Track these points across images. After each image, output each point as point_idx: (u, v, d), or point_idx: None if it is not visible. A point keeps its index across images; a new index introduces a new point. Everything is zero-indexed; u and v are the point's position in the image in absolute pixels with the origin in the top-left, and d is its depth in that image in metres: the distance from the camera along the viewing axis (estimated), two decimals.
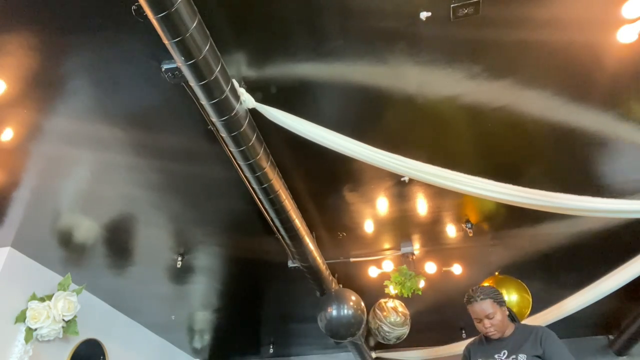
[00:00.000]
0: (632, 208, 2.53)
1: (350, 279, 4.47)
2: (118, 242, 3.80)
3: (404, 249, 3.96)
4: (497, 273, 4.10)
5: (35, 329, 3.76)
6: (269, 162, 2.63)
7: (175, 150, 2.84)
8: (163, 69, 2.19)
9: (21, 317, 3.74)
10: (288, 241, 3.33)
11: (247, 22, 2.09)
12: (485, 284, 4.04)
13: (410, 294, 3.84)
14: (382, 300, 4.22)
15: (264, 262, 4.16)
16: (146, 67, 2.23)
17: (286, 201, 2.91)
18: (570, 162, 2.96)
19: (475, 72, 2.32)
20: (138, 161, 2.91)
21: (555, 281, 4.45)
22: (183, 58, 1.86)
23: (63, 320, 3.89)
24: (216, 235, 3.80)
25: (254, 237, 3.80)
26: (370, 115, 2.62)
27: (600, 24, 2.10)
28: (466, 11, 2.01)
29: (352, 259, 4.14)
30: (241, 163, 2.51)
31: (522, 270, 4.15)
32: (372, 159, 2.35)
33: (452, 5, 1.99)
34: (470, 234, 3.65)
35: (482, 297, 2.71)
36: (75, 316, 3.98)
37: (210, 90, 2.02)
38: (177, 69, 2.13)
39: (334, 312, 3.93)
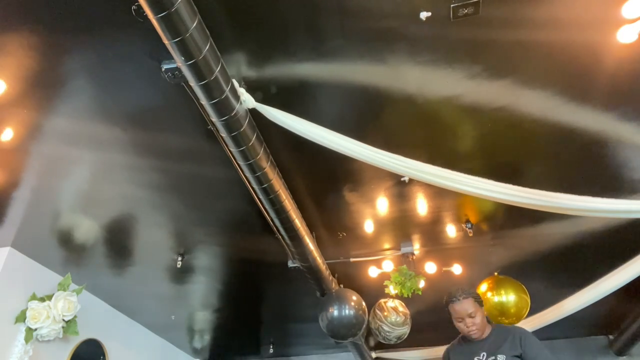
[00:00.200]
0: (632, 208, 2.53)
1: (350, 279, 4.47)
2: (118, 242, 3.80)
3: (404, 249, 3.96)
4: (496, 273, 4.10)
5: (35, 329, 3.76)
6: (269, 162, 2.63)
7: (175, 150, 2.84)
8: (163, 69, 2.19)
9: (21, 317, 3.74)
10: (288, 241, 3.33)
11: (247, 22, 2.09)
12: (484, 284, 4.05)
13: (410, 294, 3.84)
14: (383, 300, 4.22)
15: (264, 262, 4.16)
16: (146, 67, 2.23)
17: (286, 201, 2.91)
18: (570, 162, 2.96)
19: (475, 72, 2.32)
20: (138, 161, 2.91)
21: (555, 281, 4.44)
22: (183, 58, 1.86)
23: (63, 320, 3.89)
24: (216, 235, 3.80)
25: (254, 237, 3.80)
26: (370, 115, 2.62)
27: (600, 24, 2.10)
28: (466, 11, 2.01)
29: (352, 259, 4.14)
30: (241, 163, 2.51)
31: (522, 270, 4.15)
32: (372, 159, 2.35)
33: (452, 5, 1.99)
34: (470, 234, 3.65)
35: (464, 296, 2.72)
36: (75, 316, 3.98)
37: (210, 90, 2.02)
38: (177, 69, 2.13)
39: (335, 312, 3.93)
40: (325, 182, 3.19)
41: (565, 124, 2.64)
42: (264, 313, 5.54)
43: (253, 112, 2.34)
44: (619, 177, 3.09)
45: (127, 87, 2.38)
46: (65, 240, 3.69)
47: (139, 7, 1.89)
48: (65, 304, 3.89)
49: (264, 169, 2.59)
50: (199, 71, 1.93)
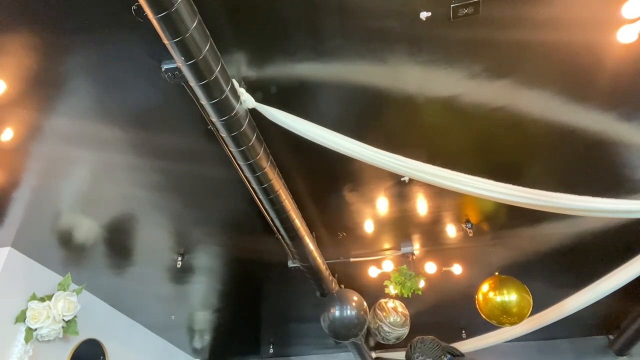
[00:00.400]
0: (632, 208, 2.53)
1: (350, 279, 4.47)
2: (118, 242, 3.80)
3: (404, 249, 3.96)
4: (497, 273, 4.10)
5: (35, 329, 3.76)
6: (269, 162, 2.63)
7: (175, 150, 2.84)
8: (163, 69, 2.19)
9: (21, 317, 3.74)
10: (288, 241, 3.33)
11: (247, 22, 2.09)
12: (486, 284, 4.04)
13: (410, 294, 3.84)
14: (383, 301, 4.22)
15: (264, 262, 4.16)
16: (146, 67, 2.23)
17: (286, 201, 2.91)
18: (570, 162, 2.96)
19: (475, 72, 2.32)
20: (138, 161, 2.91)
21: (555, 281, 4.44)
22: (183, 58, 1.86)
23: (63, 320, 3.89)
24: (216, 235, 3.80)
25: (254, 237, 3.80)
26: (370, 115, 2.62)
27: (600, 24, 2.10)
28: (466, 11, 2.01)
29: (352, 259, 4.14)
30: (241, 163, 2.51)
31: (522, 270, 4.15)
32: (372, 159, 2.35)
33: (452, 5, 1.99)
34: (470, 234, 3.65)
35: (420, 358, 2.57)
36: (75, 316, 3.98)
37: (210, 90, 2.02)
38: (177, 69, 2.13)
39: (337, 313, 3.94)
40: (325, 182, 3.19)
41: (565, 124, 2.64)
42: (264, 313, 5.54)
43: (253, 112, 2.34)
44: (619, 177, 3.09)
45: (127, 87, 2.38)
46: (65, 240, 3.69)
47: (139, 7, 1.89)
48: (65, 304, 3.89)
49: (264, 169, 2.59)
50: (199, 71, 1.93)
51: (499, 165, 2.97)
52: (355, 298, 4.02)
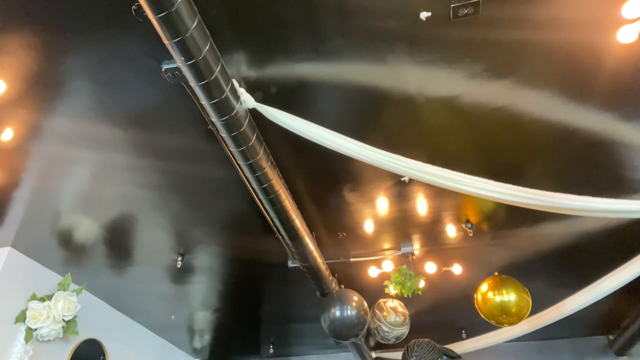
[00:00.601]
0: (632, 208, 2.53)
1: (350, 279, 4.47)
2: (118, 242, 3.80)
3: (404, 249, 3.96)
4: (496, 273, 4.10)
5: (35, 329, 3.76)
6: (269, 162, 2.63)
7: (175, 150, 2.84)
8: (163, 69, 2.19)
9: (21, 317, 3.74)
10: (288, 241, 3.33)
11: (247, 22, 2.09)
12: (485, 284, 4.04)
13: (410, 294, 3.84)
14: (382, 300, 4.22)
15: (264, 262, 4.16)
16: (146, 67, 2.23)
17: (286, 201, 2.91)
18: (570, 162, 2.96)
19: (475, 72, 2.32)
20: (138, 161, 2.91)
21: (555, 281, 4.44)
22: (183, 58, 1.86)
23: (63, 320, 3.89)
24: (216, 235, 3.80)
25: (254, 237, 3.80)
26: (370, 115, 2.62)
27: (600, 24, 2.10)
28: (466, 11, 2.01)
29: (352, 259, 4.14)
30: (241, 163, 2.51)
31: (522, 270, 4.15)
32: (372, 159, 2.35)
33: (452, 5, 1.99)
34: (470, 234, 3.65)
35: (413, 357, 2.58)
36: (75, 316, 3.98)
37: (210, 90, 2.02)
38: (177, 69, 2.13)
39: (338, 313, 3.93)
40: (325, 182, 3.19)
41: (565, 123, 2.64)
42: (264, 313, 5.54)
43: (253, 112, 2.34)
44: (619, 177, 3.09)
45: (127, 87, 2.38)
46: (65, 240, 3.69)
47: (139, 7, 1.89)
48: (65, 304, 3.89)
49: (264, 169, 2.59)
50: (199, 71, 1.93)
51: (499, 165, 2.97)
52: (355, 298, 4.02)
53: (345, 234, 3.84)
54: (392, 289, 3.89)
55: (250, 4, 2.01)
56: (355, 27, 2.11)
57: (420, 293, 3.87)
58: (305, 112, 2.40)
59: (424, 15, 2.03)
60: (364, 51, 2.22)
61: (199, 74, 1.94)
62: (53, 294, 3.91)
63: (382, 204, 3.43)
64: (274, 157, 2.76)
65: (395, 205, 3.44)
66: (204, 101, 2.09)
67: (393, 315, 4.13)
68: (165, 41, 1.81)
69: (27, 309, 3.78)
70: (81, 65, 2.24)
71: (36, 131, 2.60)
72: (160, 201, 3.31)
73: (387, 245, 4.02)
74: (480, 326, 4.76)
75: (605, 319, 5.45)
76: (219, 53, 2.01)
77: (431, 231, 3.79)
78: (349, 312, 3.93)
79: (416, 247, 3.98)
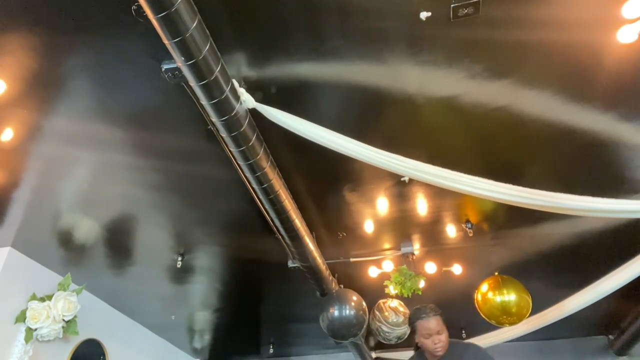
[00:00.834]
0: (632, 208, 2.53)
1: (350, 279, 4.47)
2: (118, 242, 3.80)
3: (404, 249, 3.96)
4: (496, 273, 4.10)
5: (35, 329, 3.76)
6: (269, 162, 2.63)
7: (175, 150, 2.84)
8: (163, 69, 2.19)
9: (21, 317, 3.74)
10: (288, 241, 3.33)
11: (247, 22, 2.09)
12: (485, 284, 4.05)
13: (410, 294, 3.84)
14: (382, 301, 4.23)
15: (264, 262, 4.16)
16: (146, 67, 2.23)
17: (286, 201, 2.91)
18: (570, 162, 2.96)
19: (475, 72, 2.32)
20: (138, 161, 2.91)
21: (555, 281, 4.44)
22: (183, 58, 1.86)
23: (63, 320, 3.89)
24: (216, 235, 3.80)
25: (254, 237, 3.80)
26: (370, 115, 2.62)
27: (600, 24, 2.10)
28: (466, 11, 2.01)
29: (352, 259, 4.14)
30: (241, 163, 2.51)
31: (522, 270, 4.15)
32: (372, 159, 2.35)
33: (452, 5, 1.99)
34: (470, 234, 3.65)
35: (433, 313, 2.77)
36: (75, 316, 3.98)
37: (210, 90, 2.02)
38: (177, 69, 2.13)
39: (336, 313, 3.94)
40: (325, 182, 3.19)
41: (565, 123, 2.64)
42: (264, 313, 5.54)
43: (253, 112, 2.34)
44: (619, 177, 3.09)
45: (127, 87, 2.38)
46: (66, 240, 3.69)
47: (139, 7, 1.89)
48: (65, 304, 3.89)
49: (264, 169, 2.59)
50: (199, 71, 1.93)
51: (499, 165, 2.97)
52: (354, 298, 4.02)
53: (345, 234, 3.84)
54: (392, 289, 3.89)
55: (250, 4, 2.01)
56: (355, 27, 2.11)
57: (420, 293, 3.87)
58: (305, 112, 2.39)
59: (424, 15, 2.03)
60: (364, 51, 2.22)
61: (199, 74, 1.94)
62: (53, 294, 3.91)
63: (382, 204, 3.43)
64: (274, 157, 2.76)
65: (395, 205, 3.44)
66: (204, 101, 2.09)
67: (394, 315, 4.13)
68: (165, 41, 1.81)
69: (27, 309, 3.77)
70: (81, 66, 2.24)
71: (36, 131, 2.60)
72: (160, 201, 3.31)
73: (387, 245, 4.02)
74: (480, 326, 4.76)
75: (605, 319, 5.45)
76: (219, 53, 2.01)
77: (431, 231, 3.79)
78: (347, 311, 3.93)
79: (416, 247, 3.98)
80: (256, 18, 2.07)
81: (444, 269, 4.19)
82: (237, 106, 2.19)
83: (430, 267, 4.14)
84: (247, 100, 2.26)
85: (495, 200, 2.48)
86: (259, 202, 3.05)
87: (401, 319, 4.15)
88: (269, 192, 2.75)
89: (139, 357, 5.35)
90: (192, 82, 1.99)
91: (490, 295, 3.91)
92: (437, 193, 3.28)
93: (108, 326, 4.82)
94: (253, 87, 2.37)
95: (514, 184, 2.43)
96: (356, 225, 3.72)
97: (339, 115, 2.61)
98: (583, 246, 3.90)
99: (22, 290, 3.81)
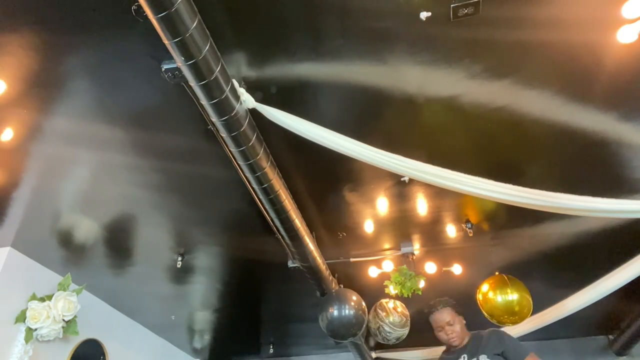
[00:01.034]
0: (632, 208, 2.52)
1: (350, 279, 4.47)
2: (118, 242, 3.80)
3: (404, 249, 3.96)
4: (497, 273, 4.10)
5: (35, 329, 3.76)
6: (269, 162, 2.63)
7: (175, 150, 2.84)
8: (163, 69, 2.19)
9: (21, 317, 3.74)
10: (288, 241, 3.33)
11: (247, 22, 2.09)
12: (487, 283, 4.04)
13: (410, 294, 3.84)
14: (384, 300, 4.22)
15: (264, 262, 4.16)
16: (146, 67, 2.23)
17: (286, 201, 2.91)
18: (570, 162, 2.96)
19: (475, 72, 2.32)
20: (138, 161, 2.91)
21: (555, 281, 4.44)
22: (183, 58, 1.86)
23: (63, 320, 3.89)
24: (216, 235, 3.80)
25: (254, 237, 3.80)
26: (370, 116, 2.62)
27: (600, 24, 2.10)
28: (466, 11, 2.01)
29: (352, 259, 4.14)
30: (241, 163, 2.51)
31: (522, 270, 4.15)
32: (372, 159, 2.35)
33: (452, 5, 1.99)
34: (470, 234, 3.65)
35: (441, 306, 2.87)
36: (75, 316, 3.98)
37: (210, 90, 2.02)
38: (177, 69, 2.13)
39: (335, 312, 3.93)
40: (325, 182, 3.19)
41: (565, 123, 2.64)
42: (264, 313, 5.54)
43: (253, 112, 2.34)
44: (619, 177, 3.09)
45: (127, 87, 2.38)
46: (65, 240, 3.69)
47: (139, 7, 1.89)
48: (65, 304, 3.89)
49: (264, 169, 2.59)
50: (199, 71, 1.93)
51: (499, 165, 2.97)
52: (353, 297, 4.02)
53: (345, 234, 3.83)
54: (392, 289, 3.89)
55: (250, 4, 2.01)
56: (356, 27, 2.11)
57: (420, 293, 3.87)
58: (305, 112, 2.39)
59: (424, 15, 2.03)
60: (364, 51, 2.22)
61: (199, 74, 1.94)
62: (53, 294, 3.91)
63: (382, 204, 3.43)
64: (274, 157, 2.76)
65: (395, 205, 3.44)
66: (204, 101, 2.09)
67: (394, 315, 4.13)
68: (165, 41, 1.81)
69: (27, 309, 3.77)
70: (81, 65, 2.24)
71: (36, 131, 2.60)
72: (160, 201, 3.31)
73: (387, 245, 4.02)
74: (480, 326, 4.74)
75: (605, 319, 5.45)
76: (219, 53, 2.01)
77: (431, 231, 3.79)
78: (346, 311, 3.93)
79: (416, 247, 3.98)
80: (256, 18, 2.07)
81: (444, 269, 4.19)
82: (237, 106, 2.19)
83: (430, 267, 4.14)
84: (247, 100, 2.26)
85: (495, 200, 2.48)
86: (259, 202, 3.05)
87: (403, 319, 4.15)
88: (269, 192, 2.75)
89: (139, 357, 5.35)
90: (192, 82, 1.99)
91: (491, 295, 3.91)
92: (437, 193, 3.28)
93: (108, 326, 4.82)
94: (253, 87, 2.37)
95: (514, 184, 2.42)
96: (356, 225, 3.72)
97: (339, 115, 2.61)
98: (583, 246, 3.90)
99: (22, 290, 3.81)
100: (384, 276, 4.04)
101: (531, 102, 2.50)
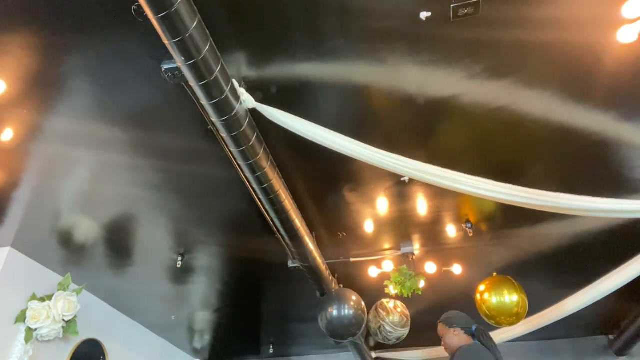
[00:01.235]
0: (632, 208, 2.53)
1: (350, 279, 4.47)
2: (118, 242, 3.80)
3: (404, 249, 3.96)
4: (495, 274, 4.09)
5: (35, 329, 3.76)
6: (269, 162, 2.63)
7: (175, 150, 2.84)
8: (163, 69, 2.19)
9: (21, 317, 3.74)
10: (288, 241, 3.33)
11: (247, 22, 2.09)
12: (482, 285, 4.03)
13: (410, 294, 3.84)
14: (385, 300, 4.22)
15: (264, 262, 4.16)
16: (146, 67, 2.23)
17: (286, 201, 2.91)
18: (570, 162, 2.96)
19: (475, 72, 2.32)
20: (138, 161, 2.91)
21: (555, 281, 4.44)
22: (183, 58, 1.86)
23: (63, 320, 3.89)
24: (216, 235, 3.80)
25: (254, 237, 3.80)
26: (371, 115, 2.62)
27: (600, 24, 2.10)
28: (466, 11, 2.01)
29: (352, 259, 4.14)
30: (241, 163, 2.51)
31: (522, 270, 4.15)
32: (372, 159, 2.35)
33: (452, 5, 1.99)
34: (470, 234, 3.65)
35: (439, 321, 3.13)
36: (75, 316, 3.98)
37: (210, 90, 2.02)
38: (177, 69, 2.13)
39: (335, 312, 3.93)
40: (325, 182, 3.19)
41: (566, 123, 2.64)
42: (264, 313, 5.54)
43: (253, 112, 2.34)
44: (619, 177, 3.09)
45: (127, 87, 2.38)
46: (65, 240, 3.69)
47: (139, 7, 1.89)
48: (65, 304, 3.89)
49: (264, 169, 2.59)
50: (199, 71, 1.93)
51: (499, 165, 2.97)
52: (353, 297, 4.02)
53: (345, 234, 3.84)
54: (392, 289, 3.89)
55: (251, 4, 2.01)
56: (356, 27, 2.11)
57: (420, 293, 3.87)
58: (305, 112, 2.39)
59: (424, 15, 2.03)
60: (364, 51, 2.22)
61: (199, 74, 1.94)
62: (53, 294, 3.91)
63: (382, 204, 3.43)
64: (274, 157, 2.76)
65: (395, 205, 3.44)
66: (204, 101, 2.09)
67: (396, 315, 4.12)
68: (165, 41, 1.81)
69: (27, 309, 3.77)
70: (81, 65, 2.24)
71: (36, 131, 2.60)
72: (160, 201, 3.31)
73: (387, 245, 4.02)
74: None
75: (605, 319, 5.45)
76: (219, 53, 2.01)
77: (431, 231, 3.79)
78: (346, 311, 3.93)
79: (416, 247, 3.98)
80: (256, 18, 2.07)
81: (444, 269, 4.19)
82: (237, 106, 2.19)
83: (430, 267, 4.14)
84: (247, 100, 2.26)
85: (495, 200, 2.48)
86: (259, 202, 3.06)
87: (404, 319, 4.15)
88: (269, 192, 2.75)
89: (139, 357, 5.35)
90: (192, 82, 1.99)
91: (487, 296, 3.91)
92: (437, 193, 3.28)
93: (108, 326, 4.82)
94: (253, 87, 2.37)
95: (514, 184, 2.42)
96: (356, 225, 3.72)
97: (339, 115, 2.61)
98: (583, 246, 3.90)
99: (22, 290, 3.81)
100: (384, 276, 4.04)
101: (531, 102, 2.50)
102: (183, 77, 2.09)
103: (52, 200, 3.20)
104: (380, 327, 4.16)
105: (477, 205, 3.46)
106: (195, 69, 1.91)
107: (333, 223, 3.69)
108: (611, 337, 5.93)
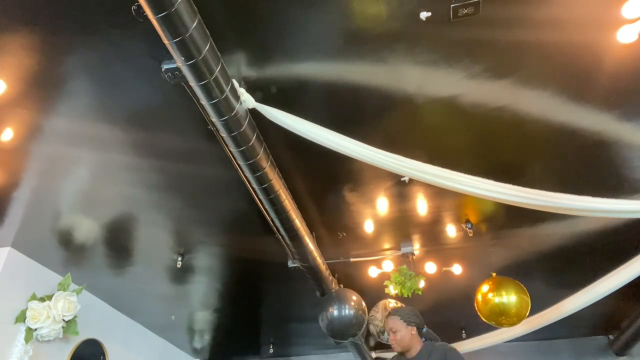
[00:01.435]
0: (632, 208, 2.53)
1: (350, 279, 4.47)
2: (118, 242, 3.80)
3: (404, 249, 3.96)
4: (494, 274, 4.09)
5: (35, 329, 3.76)
6: (269, 162, 2.63)
7: (175, 150, 2.84)
8: (163, 69, 2.19)
9: (21, 317, 3.74)
10: (288, 241, 3.33)
11: (247, 22, 2.09)
12: (484, 285, 4.03)
13: (410, 294, 3.84)
14: (387, 300, 4.22)
15: (264, 262, 4.16)
16: (146, 67, 2.23)
17: (286, 201, 2.91)
18: (570, 162, 2.96)
19: (475, 72, 2.32)
20: (138, 161, 2.91)
21: (555, 281, 4.45)
22: (183, 58, 1.86)
23: (63, 320, 3.89)
24: (216, 235, 3.80)
25: (254, 237, 3.80)
26: (370, 115, 2.62)
27: (600, 24, 2.10)
28: (466, 11, 2.01)
29: (352, 259, 4.14)
30: (241, 163, 2.52)
31: (522, 270, 4.15)
32: (372, 159, 2.35)
33: (452, 5, 1.99)
34: (470, 234, 3.65)
35: (393, 313, 3.02)
36: (75, 316, 3.98)
37: (210, 90, 2.02)
38: (177, 69, 2.13)
39: (335, 312, 3.93)
40: (325, 182, 3.19)
41: (566, 124, 2.64)
42: (264, 313, 5.54)
43: (253, 112, 2.34)
44: (619, 177, 3.09)
45: (127, 87, 2.38)
46: (65, 240, 3.69)
47: (139, 7, 1.89)
48: (65, 304, 3.89)
49: (264, 169, 2.59)
50: (199, 71, 1.93)
51: (499, 165, 2.97)
52: (353, 297, 4.02)
53: (345, 234, 3.84)
54: (392, 289, 3.89)
55: (251, 4, 2.01)
56: (355, 27, 2.11)
57: (420, 293, 3.87)
58: (305, 112, 2.39)
59: (424, 15, 2.03)
60: (364, 51, 2.22)
61: (199, 74, 1.94)
62: (53, 294, 3.91)
63: (382, 204, 3.43)
64: (274, 157, 2.76)
65: (395, 205, 3.44)
66: (204, 101, 2.09)
67: None
68: (165, 41, 1.81)
69: (27, 309, 3.77)
70: (81, 65, 2.24)
71: (36, 131, 2.60)
72: (160, 201, 3.31)
73: (387, 245, 4.02)
74: (480, 326, 4.75)
75: (605, 319, 5.45)
76: (219, 53, 2.01)
77: (431, 231, 3.79)
78: (346, 311, 3.93)
79: (416, 247, 3.98)
80: (256, 18, 2.07)
81: (444, 269, 4.19)
82: (237, 106, 2.19)
83: (430, 267, 4.14)
84: (247, 100, 2.26)
85: (495, 200, 2.49)
86: (259, 202, 3.05)
87: None
88: (269, 192, 2.75)
89: (139, 357, 5.35)
90: (192, 82, 1.99)
91: (490, 296, 3.90)
92: (437, 193, 3.28)
93: (108, 326, 4.82)
94: (253, 87, 2.37)
95: (514, 184, 2.43)
96: (356, 225, 3.72)
97: (339, 116, 2.61)
98: (583, 246, 3.90)
99: (22, 290, 3.81)
100: (384, 276, 4.04)
101: (531, 102, 2.50)
102: (183, 77, 2.09)
103: (52, 200, 3.20)
104: (382, 326, 4.15)
105: (477, 205, 3.46)
106: (195, 69, 1.91)
107: (333, 223, 3.69)
108: (611, 337, 5.93)
